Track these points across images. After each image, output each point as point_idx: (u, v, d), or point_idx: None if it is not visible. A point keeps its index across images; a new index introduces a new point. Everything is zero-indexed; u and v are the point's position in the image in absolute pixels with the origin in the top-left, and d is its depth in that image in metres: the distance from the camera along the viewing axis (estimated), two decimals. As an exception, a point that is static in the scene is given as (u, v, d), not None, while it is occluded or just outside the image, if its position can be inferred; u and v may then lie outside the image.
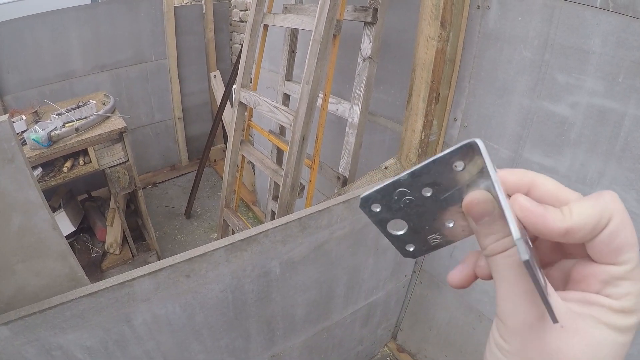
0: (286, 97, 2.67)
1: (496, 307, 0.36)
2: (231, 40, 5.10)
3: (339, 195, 1.89)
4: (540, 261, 0.41)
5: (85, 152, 2.91)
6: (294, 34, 2.59)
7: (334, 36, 1.96)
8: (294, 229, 1.55)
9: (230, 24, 5.00)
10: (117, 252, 3.48)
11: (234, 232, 2.78)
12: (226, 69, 4.95)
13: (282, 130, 2.74)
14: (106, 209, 3.70)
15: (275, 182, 2.71)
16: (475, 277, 0.41)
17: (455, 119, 1.97)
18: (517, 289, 0.34)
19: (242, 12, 4.74)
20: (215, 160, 5.27)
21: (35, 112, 3.14)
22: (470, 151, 0.37)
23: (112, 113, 3.15)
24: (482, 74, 1.80)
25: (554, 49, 1.53)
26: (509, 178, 0.37)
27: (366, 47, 2.06)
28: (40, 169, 2.78)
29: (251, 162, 3.41)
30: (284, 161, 2.20)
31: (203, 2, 4.55)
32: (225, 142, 5.01)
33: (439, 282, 2.41)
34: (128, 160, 3.10)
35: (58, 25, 3.74)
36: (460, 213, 0.40)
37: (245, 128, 2.74)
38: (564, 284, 0.38)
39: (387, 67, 2.27)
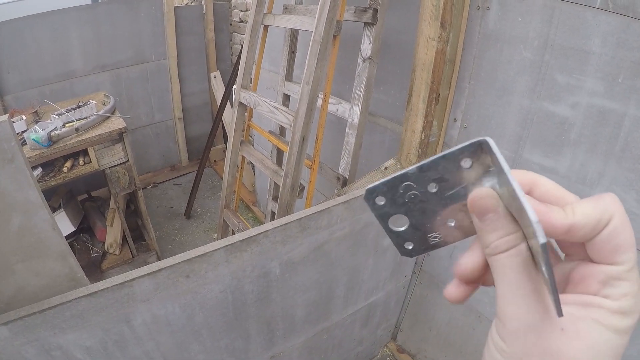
0: (286, 98, 2.67)
1: (496, 308, 0.36)
2: (231, 40, 5.10)
3: (338, 195, 1.89)
4: None
5: (85, 152, 2.91)
6: (294, 34, 2.59)
7: (334, 37, 1.96)
8: (293, 229, 1.55)
9: (231, 24, 5.00)
10: (117, 252, 3.48)
11: (233, 233, 2.78)
12: (226, 69, 4.95)
13: (282, 130, 2.74)
14: (106, 209, 3.70)
15: (275, 183, 2.71)
16: (474, 289, 0.41)
17: (455, 120, 1.97)
18: (520, 290, 0.34)
19: (242, 13, 4.74)
20: (215, 161, 5.27)
21: (36, 112, 3.14)
22: (479, 149, 0.37)
23: (112, 113, 3.15)
24: (482, 75, 1.80)
25: (554, 50, 1.53)
26: None
27: (366, 47, 2.06)
28: (40, 169, 2.78)
29: (251, 163, 3.41)
30: (284, 162, 2.19)
31: (203, 2, 4.56)
32: (226, 142, 5.01)
33: (439, 282, 2.41)
34: (128, 160, 3.10)
35: (58, 25, 3.74)
36: (463, 212, 0.40)
37: (245, 128, 2.74)
38: (562, 288, 0.38)
39: (387, 67, 2.27)
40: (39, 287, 1.27)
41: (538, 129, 1.67)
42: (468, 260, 0.39)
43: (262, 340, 1.87)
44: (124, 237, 3.52)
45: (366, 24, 2.04)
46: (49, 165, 2.84)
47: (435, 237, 0.41)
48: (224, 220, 2.88)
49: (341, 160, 2.28)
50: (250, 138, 4.34)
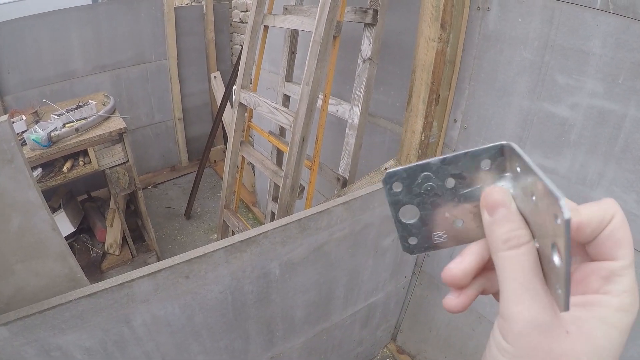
0: (286, 98, 2.67)
1: (500, 308, 0.36)
2: (231, 41, 5.10)
3: (338, 196, 1.89)
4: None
5: (85, 153, 2.91)
6: (294, 35, 2.59)
7: (334, 37, 1.96)
8: (293, 230, 1.55)
9: (231, 24, 5.00)
10: (117, 252, 3.48)
11: (233, 233, 2.78)
12: (226, 69, 4.95)
13: (282, 131, 2.74)
14: (106, 210, 3.70)
15: (275, 183, 2.71)
16: (472, 297, 0.41)
17: (455, 120, 1.97)
18: (528, 290, 0.34)
19: (243, 13, 4.75)
20: (215, 161, 5.27)
21: (36, 112, 3.14)
22: (499, 153, 0.38)
23: (112, 113, 3.15)
24: (482, 76, 1.80)
25: (554, 50, 1.53)
26: None
27: (366, 48, 2.06)
28: (40, 170, 2.78)
29: (251, 163, 3.40)
30: (284, 162, 2.19)
31: (203, 3, 4.56)
32: (226, 143, 5.01)
33: (439, 283, 2.40)
34: (128, 160, 3.10)
35: (59, 25, 3.74)
36: (472, 214, 0.40)
37: (245, 129, 2.74)
38: None
39: (387, 68, 2.27)
40: (39, 287, 1.27)
41: (538, 129, 1.67)
42: (460, 264, 0.40)
43: (261, 341, 1.87)
44: (124, 238, 3.52)
45: (366, 25, 2.04)
46: (48, 166, 2.84)
47: (440, 237, 0.41)
48: (224, 220, 2.88)
49: (341, 161, 2.28)
50: (250, 138, 4.34)
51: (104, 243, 3.49)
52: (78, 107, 3.10)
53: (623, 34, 1.34)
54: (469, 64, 1.83)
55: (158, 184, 4.97)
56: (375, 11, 1.98)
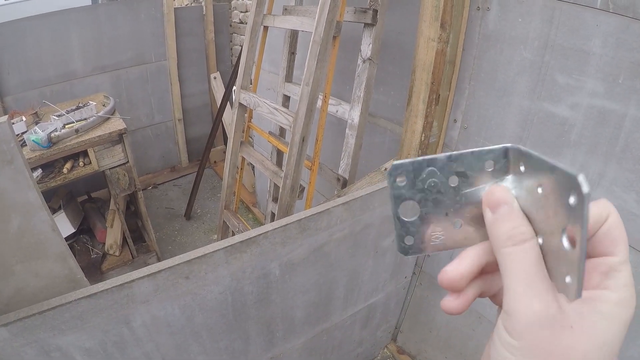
0: (286, 99, 2.67)
1: (504, 304, 0.36)
2: (231, 41, 5.10)
3: (338, 196, 1.89)
4: None
5: (85, 154, 2.91)
6: (293, 35, 2.59)
7: (334, 38, 1.96)
8: (293, 230, 1.55)
9: (230, 25, 5.00)
10: (117, 253, 3.48)
11: (234, 234, 2.78)
12: (226, 70, 4.95)
13: (282, 131, 2.74)
14: (106, 211, 3.70)
15: (275, 184, 2.71)
16: (471, 299, 0.41)
17: (455, 121, 1.97)
18: (533, 285, 0.35)
19: (242, 14, 4.75)
20: (215, 162, 5.27)
21: (35, 113, 3.14)
22: (503, 155, 0.39)
23: (112, 114, 3.15)
24: (482, 75, 1.80)
25: (554, 50, 1.53)
26: None
27: (366, 48, 2.06)
28: (40, 170, 2.78)
29: (251, 164, 3.40)
30: (284, 163, 2.19)
31: (203, 3, 4.56)
32: (226, 143, 5.00)
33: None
34: (128, 161, 3.10)
35: (58, 26, 3.74)
36: (471, 216, 0.40)
37: (245, 129, 2.74)
38: None
39: (387, 68, 2.27)
40: (39, 288, 1.27)
41: (538, 129, 1.67)
42: (457, 267, 0.40)
43: (261, 342, 1.86)
44: (124, 239, 3.52)
45: (366, 25, 2.04)
46: (48, 167, 2.84)
47: (438, 237, 0.41)
48: (224, 221, 2.88)
49: (341, 161, 2.28)
50: (250, 139, 4.34)
51: (104, 244, 3.49)
52: (78, 108, 3.10)
53: (623, 34, 1.34)
54: (469, 64, 1.83)
55: (158, 184, 4.97)
56: (375, 11, 1.98)
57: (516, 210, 0.38)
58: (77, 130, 2.82)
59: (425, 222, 0.41)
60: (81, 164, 2.92)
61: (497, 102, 1.78)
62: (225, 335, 1.67)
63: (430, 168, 0.40)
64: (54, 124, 2.82)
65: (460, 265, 0.39)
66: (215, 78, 4.60)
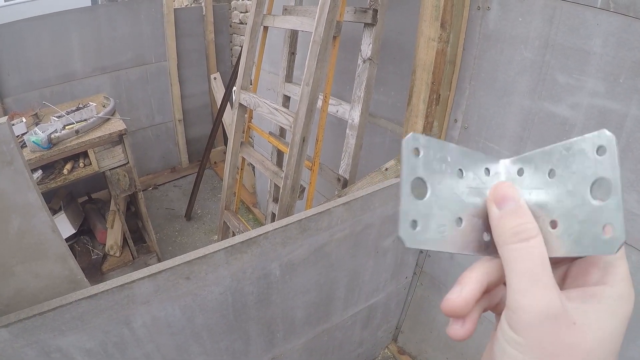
0: (286, 99, 2.67)
1: (508, 300, 0.36)
2: (231, 42, 5.10)
3: (339, 197, 1.88)
4: None
5: (85, 155, 2.91)
6: (293, 35, 2.59)
7: (334, 38, 1.96)
8: (294, 231, 1.55)
9: (230, 25, 5.00)
10: (118, 254, 3.47)
11: (234, 234, 2.78)
12: (226, 71, 4.95)
13: (282, 132, 2.74)
14: (106, 211, 3.70)
15: (275, 184, 2.71)
16: (476, 320, 0.41)
17: (455, 120, 1.97)
18: (538, 282, 0.35)
19: (242, 14, 4.75)
20: (215, 162, 5.26)
21: (36, 114, 3.14)
22: (494, 163, 0.42)
23: (112, 115, 3.14)
24: (482, 75, 1.80)
25: (554, 50, 1.53)
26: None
27: (366, 48, 2.06)
28: (40, 171, 2.78)
29: (251, 164, 3.40)
30: (284, 163, 2.19)
31: (203, 4, 4.56)
32: (226, 144, 5.00)
33: (440, 284, 2.40)
34: (128, 162, 3.10)
35: (58, 27, 3.74)
36: (472, 216, 0.40)
37: (246, 130, 2.74)
38: (560, 286, 0.39)
39: (387, 68, 2.27)
40: (39, 289, 1.27)
41: (539, 129, 1.67)
42: (460, 294, 0.39)
43: (262, 342, 1.86)
44: (125, 239, 3.52)
45: (366, 25, 2.04)
46: (49, 168, 2.84)
47: (441, 232, 0.39)
48: (224, 221, 2.88)
49: (341, 162, 2.28)
50: (250, 139, 4.34)
51: (105, 244, 3.49)
52: (78, 109, 3.09)
53: (624, 33, 1.34)
54: (469, 64, 1.83)
55: (158, 185, 4.97)
56: (375, 11, 1.98)
57: (523, 207, 0.38)
58: (77, 131, 2.82)
59: (433, 209, 0.39)
60: (81, 164, 2.92)
61: (497, 102, 1.78)
62: (226, 336, 1.67)
63: (442, 153, 0.40)
64: (54, 125, 2.82)
65: (463, 292, 0.39)
66: (215, 79, 4.61)
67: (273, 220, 2.79)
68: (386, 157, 2.22)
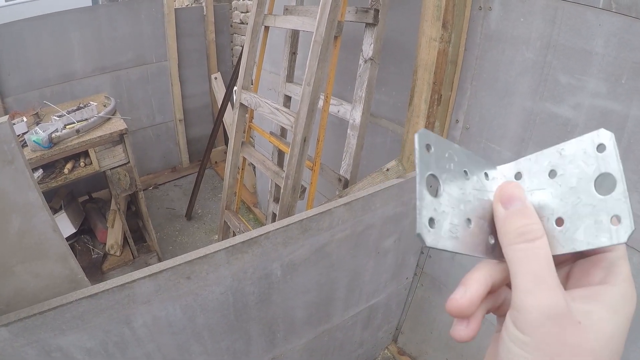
0: (287, 99, 2.67)
1: (513, 300, 0.36)
2: (232, 42, 5.10)
3: (340, 197, 1.88)
4: None
5: (86, 154, 2.91)
6: (294, 35, 2.59)
7: (335, 37, 1.96)
8: (295, 231, 1.54)
9: (231, 25, 5.00)
10: (118, 253, 3.47)
11: (234, 234, 2.78)
12: (227, 71, 4.95)
13: (283, 131, 2.74)
14: (107, 211, 3.70)
15: (276, 184, 2.71)
16: (480, 321, 0.41)
17: (457, 121, 1.96)
18: (543, 281, 0.35)
19: (243, 14, 4.75)
20: (216, 162, 5.26)
21: (36, 113, 3.14)
22: (493, 169, 0.44)
23: (112, 115, 3.15)
24: (484, 76, 1.80)
25: (556, 50, 1.53)
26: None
27: (367, 48, 2.06)
28: (41, 171, 2.78)
29: (252, 164, 3.40)
30: (285, 163, 2.19)
31: (204, 4, 4.56)
32: (226, 143, 5.00)
33: (440, 284, 2.40)
34: (129, 161, 3.10)
35: (59, 27, 3.75)
36: (478, 218, 0.40)
37: (246, 130, 2.74)
38: (562, 286, 0.39)
39: (388, 68, 2.27)
40: (39, 288, 1.27)
41: (540, 130, 1.67)
42: (465, 294, 0.39)
43: (262, 342, 1.86)
44: (125, 239, 3.52)
45: (367, 25, 2.04)
46: (49, 167, 2.84)
47: (456, 230, 0.39)
48: (225, 221, 2.88)
49: (342, 162, 2.28)
50: (251, 139, 4.34)
51: (105, 244, 3.49)
52: (79, 108, 3.10)
53: (626, 34, 1.34)
54: (471, 64, 1.83)
55: (159, 185, 4.97)
56: (377, 11, 1.98)
57: (529, 207, 0.38)
58: (78, 131, 2.82)
59: (446, 208, 0.38)
60: (82, 164, 2.92)
61: (499, 102, 1.77)
62: (227, 336, 1.67)
63: (449, 152, 0.40)
64: (54, 125, 2.82)
65: (468, 292, 0.39)
66: (216, 78, 4.61)
67: (274, 220, 2.78)
68: (387, 158, 2.22)
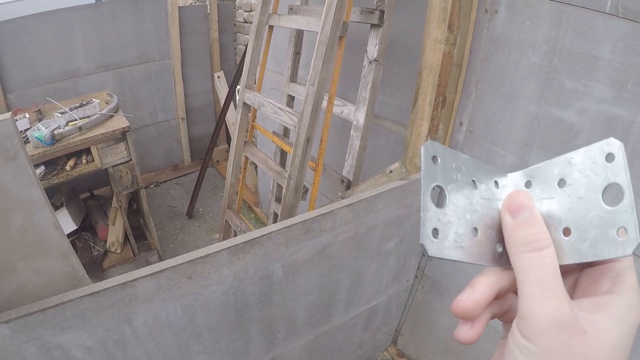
0: (290, 99, 2.66)
1: (519, 308, 0.37)
2: (235, 41, 5.10)
3: (342, 198, 1.88)
4: None
5: (88, 151, 2.91)
6: (299, 35, 2.58)
7: (340, 38, 1.96)
8: (297, 231, 1.54)
9: (235, 24, 5.00)
10: (119, 251, 3.47)
11: (235, 234, 2.78)
12: (230, 69, 4.95)
13: (286, 131, 2.73)
14: (108, 208, 3.70)
15: (278, 184, 2.70)
16: (485, 325, 0.41)
17: (461, 124, 1.96)
18: (550, 290, 0.35)
19: (247, 13, 4.74)
20: (217, 161, 5.26)
21: (39, 110, 3.14)
22: (504, 177, 0.44)
23: (115, 112, 3.14)
24: (489, 79, 1.79)
25: (562, 55, 1.52)
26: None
27: (372, 49, 2.05)
28: (43, 167, 2.77)
29: (253, 163, 3.40)
30: (288, 163, 2.18)
31: (207, 2, 4.56)
32: (228, 142, 5.00)
33: (441, 287, 2.39)
34: (131, 159, 3.10)
35: (62, 24, 3.75)
36: (485, 227, 0.41)
37: (249, 129, 2.73)
38: (570, 295, 0.39)
39: (393, 70, 2.26)
40: (40, 285, 1.27)
41: (545, 134, 1.66)
42: (471, 296, 0.39)
43: (262, 342, 1.86)
44: (126, 236, 3.52)
45: (372, 26, 2.04)
46: (51, 164, 2.84)
47: (461, 240, 0.39)
48: (226, 220, 2.87)
49: (345, 163, 2.27)
50: (253, 139, 4.33)
51: (106, 241, 3.49)
52: (81, 105, 3.09)
53: (633, 39, 1.33)
54: (476, 67, 1.82)
55: (160, 183, 4.97)
56: (382, 12, 1.97)
57: (537, 217, 0.39)
58: (80, 128, 2.82)
59: (451, 218, 0.39)
60: (84, 161, 2.92)
61: (504, 106, 1.77)
62: (227, 336, 1.67)
63: (457, 162, 0.40)
64: (57, 121, 2.82)
65: (474, 294, 0.39)
66: (219, 77, 4.61)
67: (275, 220, 2.78)
68: (390, 160, 2.22)
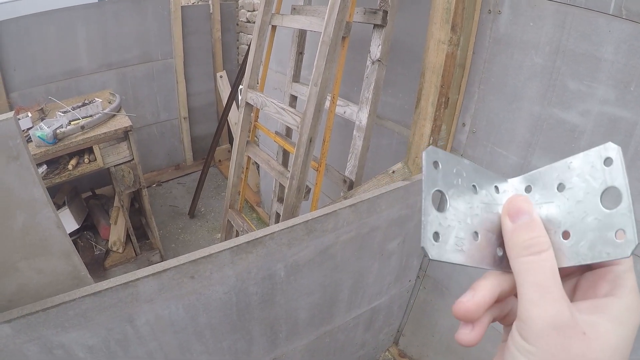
0: (293, 99, 2.66)
1: (519, 311, 0.37)
2: (238, 40, 5.10)
3: (345, 198, 1.88)
4: None
5: (90, 150, 2.91)
6: (301, 35, 2.58)
7: (343, 38, 1.95)
8: (299, 232, 1.54)
9: (237, 24, 5.00)
10: (121, 250, 3.48)
11: (237, 233, 2.78)
12: (232, 69, 4.95)
13: (289, 131, 2.73)
14: (110, 207, 3.70)
15: (280, 184, 2.70)
16: (486, 327, 0.42)
17: (464, 124, 1.95)
18: (549, 293, 0.36)
19: (250, 13, 4.75)
20: (220, 161, 5.27)
21: (41, 109, 3.14)
22: (504, 182, 0.44)
23: (117, 111, 3.15)
24: (492, 80, 1.79)
25: (565, 56, 1.52)
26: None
27: (375, 49, 2.05)
28: (45, 167, 2.78)
29: (256, 163, 3.40)
30: (290, 163, 2.18)
31: (210, 2, 4.56)
32: (231, 142, 5.01)
33: (443, 288, 2.39)
34: (133, 159, 3.10)
35: (65, 23, 3.75)
36: (486, 230, 0.42)
37: (252, 129, 2.73)
38: (570, 298, 0.40)
39: (396, 70, 2.26)
40: (42, 285, 1.27)
41: (548, 135, 1.66)
42: (473, 298, 0.40)
43: (264, 342, 1.86)
44: (128, 236, 3.52)
45: (376, 26, 2.03)
46: (54, 163, 2.84)
47: (461, 244, 0.40)
48: (228, 220, 2.87)
49: (348, 163, 2.27)
50: (255, 138, 4.33)
51: (108, 240, 3.50)
52: (84, 104, 3.10)
53: (636, 41, 1.33)
54: (479, 68, 1.82)
55: (162, 182, 4.97)
56: (385, 12, 1.97)
57: (536, 221, 0.40)
58: (82, 127, 2.82)
59: (452, 222, 0.40)
60: (86, 160, 2.92)
61: (506, 106, 1.77)
62: (229, 336, 1.67)
63: (458, 167, 0.41)
64: (59, 121, 2.82)
65: (476, 297, 0.40)
66: (221, 77, 4.60)
67: (277, 220, 2.78)
68: (393, 160, 2.22)
